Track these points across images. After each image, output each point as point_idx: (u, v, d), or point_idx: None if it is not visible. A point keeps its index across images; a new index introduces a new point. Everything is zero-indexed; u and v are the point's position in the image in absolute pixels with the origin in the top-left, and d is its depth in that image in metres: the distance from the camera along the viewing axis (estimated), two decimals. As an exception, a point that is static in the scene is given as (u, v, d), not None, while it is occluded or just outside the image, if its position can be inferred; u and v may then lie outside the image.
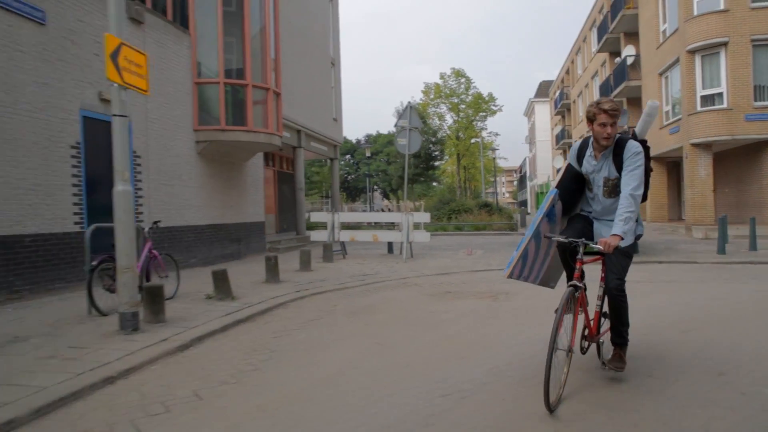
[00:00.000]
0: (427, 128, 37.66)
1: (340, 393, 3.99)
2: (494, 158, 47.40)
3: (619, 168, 3.86)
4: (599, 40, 30.76)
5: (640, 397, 3.75)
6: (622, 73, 26.13)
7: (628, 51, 26.12)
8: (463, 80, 41.71)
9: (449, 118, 43.54)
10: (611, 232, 3.63)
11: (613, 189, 3.94)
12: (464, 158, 44.53)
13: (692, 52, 18.74)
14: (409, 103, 15.97)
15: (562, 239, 3.81)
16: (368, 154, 36.14)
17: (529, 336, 5.51)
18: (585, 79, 38.30)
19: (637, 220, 3.95)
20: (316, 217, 15.64)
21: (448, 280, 9.87)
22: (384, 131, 66.88)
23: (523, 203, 78.62)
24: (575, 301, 3.70)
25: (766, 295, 7.61)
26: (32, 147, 7.83)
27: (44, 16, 8.03)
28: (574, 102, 43.60)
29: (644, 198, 3.97)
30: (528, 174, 76.52)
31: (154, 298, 6.17)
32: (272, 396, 3.97)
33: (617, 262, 3.81)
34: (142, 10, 10.25)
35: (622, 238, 3.58)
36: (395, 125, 14.99)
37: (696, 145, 18.81)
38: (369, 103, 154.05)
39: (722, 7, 18.04)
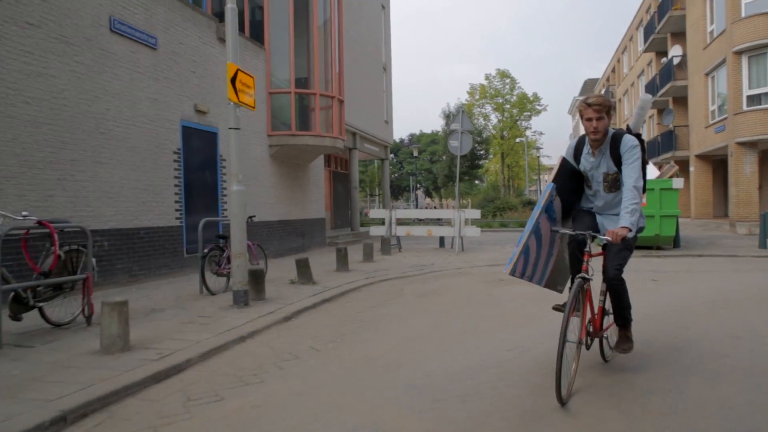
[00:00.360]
0: (472, 128, 38.52)
1: (425, 347, 5.08)
2: (538, 157, 47.68)
3: (617, 162, 3.91)
4: (646, 39, 30.93)
5: (661, 381, 4.66)
6: (668, 72, 26.37)
7: (674, 51, 26.35)
8: (507, 81, 42.35)
9: (494, 118, 44.27)
10: (620, 224, 3.66)
11: (614, 183, 3.99)
12: (508, 157, 45.13)
13: (739, 52, 19.07)
14: (461, 107, 16.90)
15: (569, 231, 3.89)
16: (416, 153, 37.20)
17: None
18: (631, 78, 38.33)
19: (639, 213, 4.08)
20: (375, 213, 16.78)
21: (499, 270, 10.86)
22: (427, 130, 67.70)
23: (568, 201, 77.91)
24: (584, 293, 3.75)
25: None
26: (146, 153, 9.22)
27: (156, 41, 9.41)
28: (619, 101, 43.55)
29: (643, 189, 4.04)
30: (572, 172, 75.80)
31: (257, 280, 7.41)
32: (373, 349, 5.08)
33: (618, 254, 3.84)
34: (258, 44, 11.59)
35: (630, 230, 3.62)
36: (447, 127, 15.90)
37: (741, 144, 19.14)
38: (411, 102, 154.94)
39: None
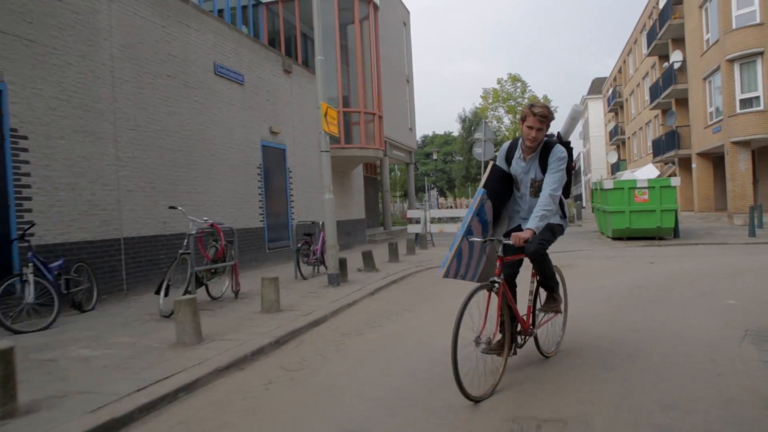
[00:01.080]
0: (493, 137, 40.80)
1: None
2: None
3: (545, 170, 4.09)
4: (649, 44, 32.84)
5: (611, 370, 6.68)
6: (669, 76, 28.29)
7: (675, 56, 28.25)
8: (519, 84, 44.49)
9: (507, 120, 46.36)
10: (527, 226, 3.87)
11: (539, 189, 4.13)
12: (521, 157, 47.14)
13: (731, 60, 21.01)
14: (483, 120, 19.03)
15: (479, 239, 3.98)
16: (435, 156, 39.32)
17: (589, 287, 8.58)
18: (636, 79, 40.20)
19: (564, 216, 4.33)
20: (412, 213, 18.89)
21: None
22: (438, 131, 69.81)
23: (578, 197, 79.91)
24: (497, 293, 3.87)
25: (765, 261, 10.34)
26: (240, 169, 11.44)
27: (243, 78, 11.63)
28: (626, 100, 45.39)
29: (566, 194, 4.29)
30: (582, 169, 77.87)
31: (342, 266, 9.60)
32: (440, 308, 7.22)
33: (539, 235, 3.96)
34: (290, 62, 13.80)
35: (535, 233, 3.81)
36: (464, 131, 17.82)
37: (736, 143, 21.08)
38: (419, 100, 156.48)
39: (758, 20, 20.26)
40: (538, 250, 3.98)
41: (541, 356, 4.51)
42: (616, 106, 50.22)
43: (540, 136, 4.01)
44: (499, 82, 44.96)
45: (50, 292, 6.23)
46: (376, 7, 17.21)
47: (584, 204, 62.33)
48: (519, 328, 4.10)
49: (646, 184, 15.33)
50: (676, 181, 15.21)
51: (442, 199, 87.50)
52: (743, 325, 5.35)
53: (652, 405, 3.51)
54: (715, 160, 25.54)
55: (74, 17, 7.46)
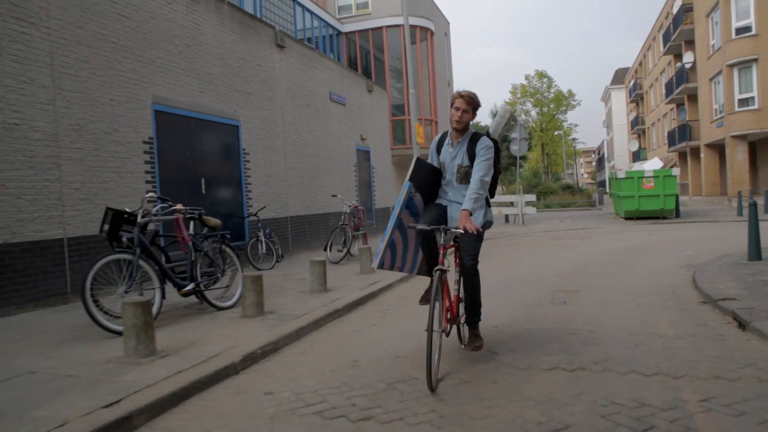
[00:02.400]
0: (516, 124, 44.59)
1: (521, 261, 11.18)
2: (574, 147, 53.09)
3: (472, 158, 4.22)
4: (664, 44, 35.98)
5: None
6: (681, 75, 31.55)
7: (687, 57, 31.46)
8: (545, 80, 47.97)
9: (533, 113, 49.86)
10: (462, 207, 3.95)
11: (465, 176, 4.27)
12: (547, 146, 50.74)
13: (731, 65, 24.37)
14: (520, 124, 22.77)
15: (425, 227, 3.91)
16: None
17: (601, 248, 12.47)
18: (655, 74, 43.23)
19: (489, 206, 4.33)
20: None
21: (552, 234, 16.80)
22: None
23: (602, 183, 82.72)
24: (442, 284, 3.87)
25: (737, 232, 14.02)
26: (344, 168, 15.50)
27: (345, 100, 15.68)
28: (646, 92, 48.36)
29: (492, 193, 4.41)
30: (606, 156, 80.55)
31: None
32: (505, 262, 11.21)
33: (470, 244, 4.05)
34: (372, 84, 17.83)
35: (471, 213, 3.90)
36: (510, 137, 20.96)
37: (734, 137, 24.50)
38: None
39: (754, 32, 23.56)
40: (473, 266, 4.09)
41: (459, 344, 4.48)
42: (637, 98, 53.11)
43: (466, 117, 4.19)
44: (526, 78, 48.72)
45: (270, 247, 10.38)
46: (432, 33, 21.10)
47: (608, 190, 65.46)
48: (449, 315, 4.14)
49: (651, 174, 18.99)
50: (676, 171, 18.85)
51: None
52: (687, 263, 9.21)
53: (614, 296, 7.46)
54: (720, 150, 28.86)
55: (264, 74, 11.58)
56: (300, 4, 17.60)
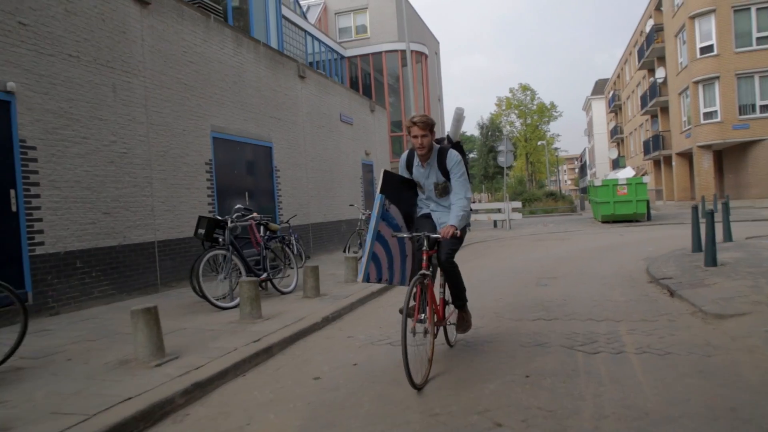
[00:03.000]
0: (501, 138, 47.05)
1: (511, 259, 13.18)
2: (557, 156, 55.58)
3: (445, 173, 4.39)
4: (639, 60, 38.49)
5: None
6: (654, 90, 33.98)
7: (659, 73, 33.91)
8: (528, 92, 50.38)
9: (518, 124, 52.29)
10: (449, 223, 4.14)
11: (443, 190, 4.49)
12: (531, 156, 53.16)
13: (696, 82, 26.74)
14: (506, 137, 24.90)
15: (406, 235, 4.23)
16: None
17: (578, 247, 14.50)
18: (631, 86, 45.80)
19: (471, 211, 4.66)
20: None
21: (536, 237, 18.83)
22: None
23: (584, 190, 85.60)
24: (426, 287, 4.04)
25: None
26: (352, 180, 17.43)
27: (352, 120, 17.65)
28: (624, 103, 50.97)
29: None
30: (588, 163, 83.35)
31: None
32: (496, 259, 13.18)
33: (448, 243, 4.26)
34: (374, 104, 19.83)
35: (457, 228, 4.08)
36: (483, 137, 23.32)
37: (700, 147, 26.84)
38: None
39: (715, 52, 25.96)
40: (448, 259, 4.27)
41: (447, 345, 4.81)
42: (615, 108, 55.77)
43: (426, 141, 4.26)
44: (510, 91, 51.13)
45: (299, 249, 12.25)
46: (426, 56, 23.20)
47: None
48: (435, 318, 4.25)
49: (625, 182, 21.14)
50: (646, 179, 21.04)
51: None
52: (646, 256, 11.22)
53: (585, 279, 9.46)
54: (690, 159, 31.24)
55: (290, 101, 13.50)
56: (310, 34, 19.58)
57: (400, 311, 3.96)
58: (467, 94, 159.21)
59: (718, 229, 10.95)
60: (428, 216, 4.60)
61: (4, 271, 6.18)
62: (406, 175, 4.61)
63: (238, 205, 8.01)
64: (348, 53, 22.05)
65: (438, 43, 33.20)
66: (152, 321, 4.56)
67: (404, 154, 4.63)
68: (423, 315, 4.10)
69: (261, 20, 14.65)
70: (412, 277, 4.43)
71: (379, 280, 4.38)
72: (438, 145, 4.45)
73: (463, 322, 4.64)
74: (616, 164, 50.35)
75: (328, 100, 15.88)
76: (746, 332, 4.84)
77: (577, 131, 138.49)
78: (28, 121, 6.72)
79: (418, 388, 3.84)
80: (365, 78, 22.52)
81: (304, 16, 21.05)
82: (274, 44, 15.16)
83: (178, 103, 9.39)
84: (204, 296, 6.83)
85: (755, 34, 25.25)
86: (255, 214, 7.94)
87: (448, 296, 4.60)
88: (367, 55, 22.00)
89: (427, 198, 4.62)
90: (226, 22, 11.96)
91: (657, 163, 37.66)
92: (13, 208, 6.45)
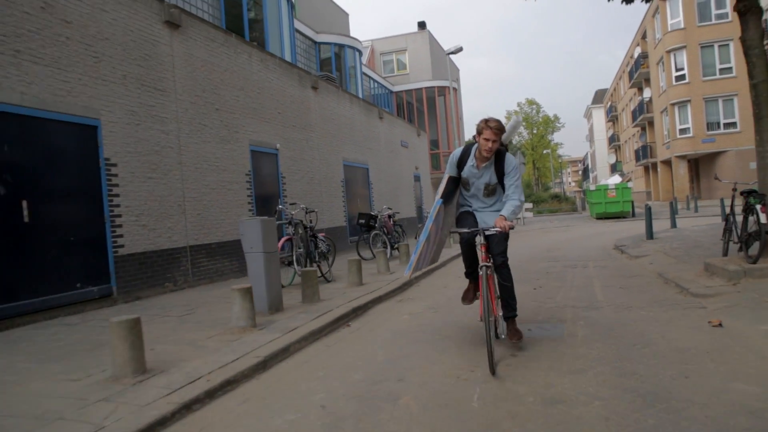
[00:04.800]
0: (511, 146, 53.17)
1: (526, 244, 19.06)
2: (560, 161, 61.42)
3: (499, 175, 4.56)
4: (630, 79, 44.28)
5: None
6: (642, 107, 39.77)
7: (646, 93, 39.69)
8: (534, 106, 56.34)
9: (525, 134, 58.21)
10: (501, 213, 4.39)
11: (492, 191, 4.66)
12: (537, 162, 59.10)
13: (673, 104, 32.55)
14: (519, 150, 30.69)
15: (466, 231, 4.42)
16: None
17: (575, 235, 20.39)
18: (625, 100, 51.54)
19: None
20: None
21: (544, 229, 24.63)
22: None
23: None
24: (487, 278, 4.24)
25: (662, 225, 21.84)
26: (408, 189, 23.34)
27: (408, 144, 23.60)
28: (619, 114, 56.71)
29: None
30: (590, 167, 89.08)
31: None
32: (521, 244, 19.08)
33: (499, 243, 4.42)
34: (419, 130, 25.80)
35: (511, 221, 4.33)
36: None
37: (677, 156, 32.63)
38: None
39: (687, 80, 31.78)
40: (504, 262, 4.51)
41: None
42: (612, 118, 61.46)
43: (495, 146, 4.43)
44: (518, 105, 57.05)
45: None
46: (455, 89, 29.18)
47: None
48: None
49: (614, 186, 26.96)
50: (630, 184, 26.93)
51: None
52: (619, 239, 17.03)
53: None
54: (671, 166, 37.03)
55: (375, 136, 19.45)
56: (367, 75, 25.55)
57: (464, 302, 4.96)
58: (471, 96, 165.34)
59: (684, 221, 16.74)
60: (470, 213, 4.75)
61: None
62: (453, 171, 4.73)
63: (384, 206, 13.95)
64: (395, 89, 28.03)
65: (458, 69, 39.12)
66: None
67: (458, 151, 4.75)
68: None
69: (352, 76, 20.66)
70: (432, 259, 5.08)
71: (417, 270, 4.76)
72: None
73: (516, 332, 4.67)
74: (614, 168, 56.03)
75: (394, 130, 21.83)
76: (645, 261, 10.72)
77: (581, 132, 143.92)
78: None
79: (494, 372, 4.03)
80: (408, 107, 28.48)
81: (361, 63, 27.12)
82: (359, 94, 21.17)
83: (303, 141, 15.34)
84: (362, 257, 12.74)
85: (718, 66, 31.04)
86: (389, 210, 13.87)
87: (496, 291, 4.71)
88: (411, 90, 27.96)
89: (472, 196, 4.75)
90: (344, 88, 17.97)
91: (646, 168, 43.38)
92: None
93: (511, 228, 4.32)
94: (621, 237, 16.86)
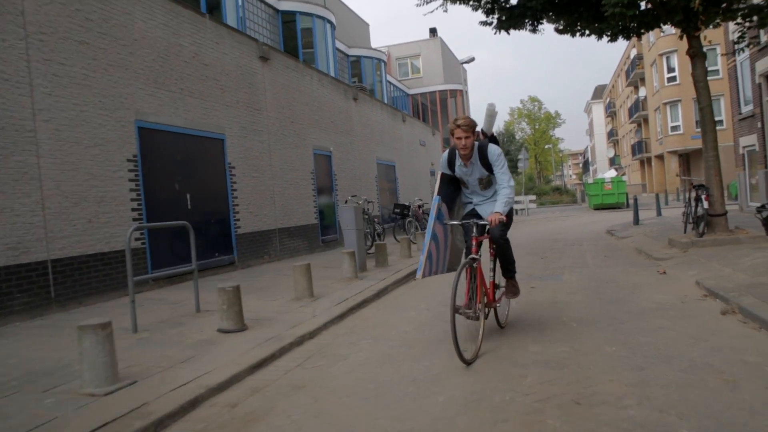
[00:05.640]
0: (514, 141, 55.84)
1: (531, 232, 21.93)
2: (561, 155, 64.15)
3: (488, 167, 4.66)
4: (626, 78, 46.97)
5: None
6: (637, 105, 42.49)
7: (641, 92, 42.38)
8: (536, 103, 59.13)
9: (528, 130, 61.04)
10: (494, 210, 4.49)
11: (487, 183, 4.78)
12: (540, 156, 61.92)
13: (665, 103, 35.30)
14: (524, 147, 33.50)
15: (457, 222, 4.69)
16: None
17: (574, 223, 23.25)
18: (623, 98, 54.21)
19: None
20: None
21: (547, 218, 27.46)
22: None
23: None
24: (475, 271, 4.35)
25: (649, 214, 24.65)
26: (425, 182, 26.18)
27: (425, 143, 26.41)
28: (617, 110, 59.40)
29: None
30: (590, 160, 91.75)
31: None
32: (523, 232, 21.94)
33: (499, 227, 4.54)
34: (434, 129, 28.59)
35: (503, 215, 4.43)
36: (517, 158, 32.02)
37: (669, 152, 35.42)
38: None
39: (678, 81, 34.51)
40: (502, 235, 4.62)
41: (498, 326, 5.21)
42: (611, 113, 64.14)
43: (469, 142, 4.52)
44: (521, 102, 59.81)
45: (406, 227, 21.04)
46: (465, 92, 31.98)
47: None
48: (486, 300, 4.52)
49: (610, 180, 29.75)
50: (625, 178, 29.71)
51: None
52: (611, 225, 19.86)
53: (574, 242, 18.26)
54: (663, 160, 39.82)
55: (398, 137, 22.27)
56: (388, 81, 28.33)
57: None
58: (473, 90, 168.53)
59: (671, 210, 19.58)
60: (473, 210, 4.90)
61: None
62: (447, 171, 4.90)
63: (416, 198, 16.81)
64: (411, 92, 30.80)
65: (466, 71, 41.83)
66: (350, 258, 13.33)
67: (445, 154, 4.91)
68: (471, 300, 4.39)
69: (378, 83, 23.46)
70: (450, 264, 4.98)
71: (430, 274, 4.69)
72: (477, 143, 4.65)
73: (513, 288, 4.98)
74: (613, 162, 58.77)
75: (415, 131, 24.64)
76: (629, 240, 13.55)
77: (582, 126, 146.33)
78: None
79: (468, 363, 4.09)
80: (423, 108, 31.26)
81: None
82: (384, 100, 23.98)
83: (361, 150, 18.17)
84: (397, 240, 15.62)
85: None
86: (419, 202, 16.71)
87: (497, 279, 4.89)
88: (425, 93, 30.72)
89: (471, 192, 4.93)
90: (374, 97, 20.78)
91: (642, 162, 46.16)
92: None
93: (502, 221, 4.47)
94: (613, 224, 19.66)
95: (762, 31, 14.12)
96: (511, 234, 4.96)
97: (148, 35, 8.76)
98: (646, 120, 42.94)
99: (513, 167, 51.83)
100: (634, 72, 42.37)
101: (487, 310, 4.57)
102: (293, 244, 13.00)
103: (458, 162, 4.75)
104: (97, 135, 7.68)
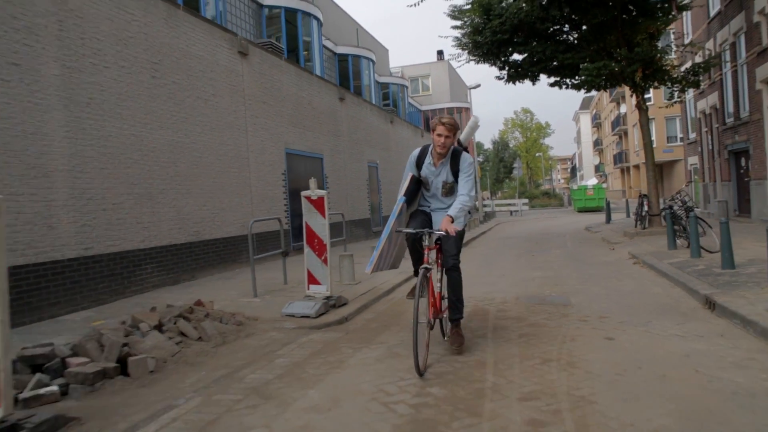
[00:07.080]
0: (508, 149, 61.14)
1: (525, 227, 26.96)
2: (550, 162, 69.39)
3: (455, 173, 4.69)
4: (610, 95, 52.25)
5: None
6: (618, 119, 47.74)
7: (623, 108, 47.63)
8: (528, 114, 64.38)
9: (520, 138, 66.27)
10: (448, 213, 4.47)
11: (450, 190, 4.76)
12: (531, 163, 67.20)
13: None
14: (518, 157, 38.54)
15: (411, 231, 4.51)
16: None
17: (560, 222, 28.34)
18: (607, 111, 59.56)
19: (469, 212, 4.78)
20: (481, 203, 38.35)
21: (537, 219, 32.45)
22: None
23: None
24: (427, 280, 4.31)
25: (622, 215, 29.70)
26: (436, 186, 31.15)
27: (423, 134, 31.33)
28: (603, 121, 64.75)
29: None
30: (577, 166, 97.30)
31: (481, 219, 29.39)
32: (517, 228, 26.95)
33: (452, 244, 4.50)
34: (424, 131, 33.58)
35: (453, 219, 4.37)
36: (495, 151, 36.49)
37: (643, 163, 40.63)
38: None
39: (652, 102, 39.72)
40: (455, 265, 4.59)
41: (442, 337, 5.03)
42: (597, 124, 69.53)
43: (449, 142, 4.58)
44: (514, 113, 64.95)
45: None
46: (469, 109, 37.02)
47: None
48: (433, 310, 4.50)
49: (591, 187, 34.87)
50: (605, 185, 34.80)
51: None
52: (590, 224, 24.87)
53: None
54: (639, 170, 45.02)
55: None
56: (409, 103, 33.21)
57: (408, 297, 4.81)
58: (475, 106, 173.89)
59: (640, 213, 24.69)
60: (423, 212, 4.90)
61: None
62: (414, 169, 4.84)
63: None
64: (423, 108, 35.71)
65: (467, 88, 46.83)
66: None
67: (416, 151, 4.90)
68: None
69: (401, 107, 28.37)
70: (394, 262, 5.09)
71: (379, 269, 4.76)
72: (454, 147, 4.71)
73: (458, 338, 4.71)
74: (597, 169, 64.09)
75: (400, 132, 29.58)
76: (599, 234, 18.57)
77: (569, 131, 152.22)
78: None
79: (422, 373, 4.10)
80: (425, 114, 36.25)
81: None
82: (407, 119, 28.86)
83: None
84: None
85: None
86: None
87: (444, 291, 4.75)
88: (435, 110, 35.68)
89: (432, 195, 4.90)
90: (405, 121, 25.66)
91: (622, 171, 51.41)
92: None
93: (457, 232, 4.38)
94: (591, 223, 24.67)
95: (701, 77, 19.22)
96: (511, 229, 9.58)
97: (289, 93, 13.64)
98: (626, 133, 48.16)
99: (508, 173, 57.24)
100: (615, 90, 47.58)
101: (433, 320, 4.56)
102: (358, 233, 17.87)
103: (428, 160, 4.78)
104: (267, 160, 12.54)
